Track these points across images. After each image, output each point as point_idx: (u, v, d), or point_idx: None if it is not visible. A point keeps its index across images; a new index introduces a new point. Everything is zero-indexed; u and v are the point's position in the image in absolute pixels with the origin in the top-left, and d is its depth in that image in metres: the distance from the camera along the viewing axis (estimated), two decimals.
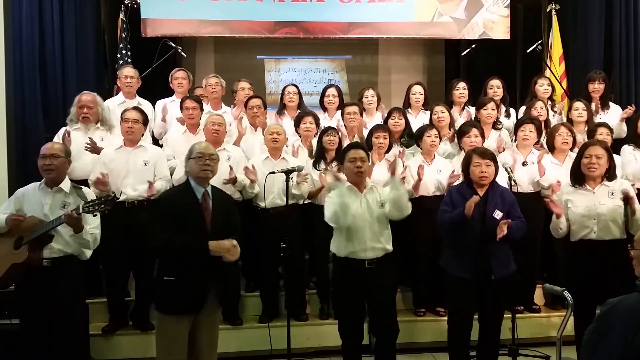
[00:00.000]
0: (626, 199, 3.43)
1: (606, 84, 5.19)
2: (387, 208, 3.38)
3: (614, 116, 5.07)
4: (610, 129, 4.57)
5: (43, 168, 3.22)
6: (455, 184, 4.12)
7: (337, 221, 3.33)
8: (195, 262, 3.00)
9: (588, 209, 3.47)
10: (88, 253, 3.31)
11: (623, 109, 5.25)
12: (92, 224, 3.24)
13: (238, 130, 4.69)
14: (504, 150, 4.60)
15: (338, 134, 4.37)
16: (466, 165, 3.61)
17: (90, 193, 3.36)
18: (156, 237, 3.03)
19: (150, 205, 4.08)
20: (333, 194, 3.40)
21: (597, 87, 5.16)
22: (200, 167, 3.10)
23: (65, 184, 3.28)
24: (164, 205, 3.15)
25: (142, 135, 4.23)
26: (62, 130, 4.38)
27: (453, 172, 4.28)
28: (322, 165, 4.33)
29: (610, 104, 5.21)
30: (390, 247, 3.45)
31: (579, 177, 3.56)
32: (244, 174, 4.20)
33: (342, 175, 4.21)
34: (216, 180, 4.07)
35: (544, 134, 4.74)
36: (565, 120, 4.99)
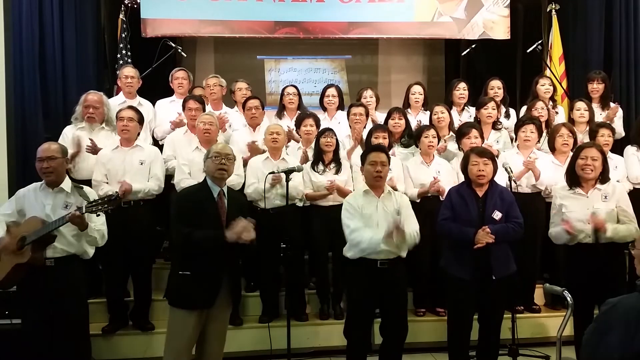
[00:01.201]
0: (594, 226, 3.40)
1: (606, 83, 5.19)
2: None
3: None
4: (612, 130, 4.57)
5: (42, 171, 3.23)
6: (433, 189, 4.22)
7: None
8: (211, 257, 3.07)
9: (583, 214, 3.47)
10: (91, 252, 3.33)
11: (623, 109, 5.26)
12: (98, 221, 3.27)
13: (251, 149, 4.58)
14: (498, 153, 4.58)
15: (335, 136, 4.36)
16: (464, 165, 3.61)
17: (92, 192, 3.37)
18: (177, 232, 3.14)
19: (149, 204, 4.11)
20: (369, 231, 3.34)
21: (595, 87, 5.16)
22: (217, 166, 3.19)
23: (66, 184, 3.29)
24: (183, 202, 3.25)
25: (138, 134, 4.22)
26: (67, 127, 4.37)
27: (437, 178, 4.26)
28: (321, 167, 4.32)
29: (610, 104, 5.21)
30: (404, 254, 3.45)
31: (574, 179, 3.56)
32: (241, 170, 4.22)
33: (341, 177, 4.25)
34: None
35: (545, 134, 4.75)
36: (566, 120, 4.99)
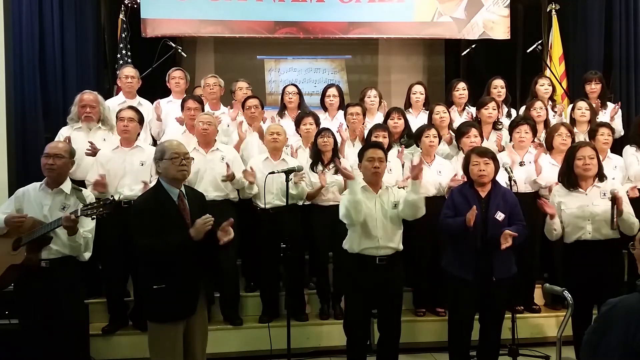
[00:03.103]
0: (614, 199, 3.43)
1: (602, 83, 5.19)
2: (400, 207, 3.41)
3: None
4: (612, 129, 4.56)
5: (46, 167, 3.21)
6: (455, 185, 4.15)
7: (349, 219, 3.38)
8: (182, 263, 2.93)
9: (582, 210, 3.48)
10: (87, 255, 3.29)
11: (622, 109, 5.25)
12: (87, 227, 3.22)
13: (238, 135, 4.59)
14: (503, 149, 4.58)
15: (333, 135, 4.36)
16: (466, 165, 3.61)
17: (89, 196, 3.35)
18: (138, 246, 2.93)
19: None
20: (347, 192, 3.44)
21: (593, 88, 5.15)
22: (177, 167, 2.97)
23: (66, 186, 3.27)
24: (142, 210, 2.99)
25: (138, 134, 4.22)
26: (63, 128, 4.36)
27: (455, 175, 4.23)
28: (319, 167, 4.32)
29: (608, 103, 5.21)
30: (401, 247, 3.49)
31: (572, 180, 3.56)
32: (241, 174, 4.18)
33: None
34: (209, 179, 4.08)
35: (543, 133, 4.75)
36: (567, 120, 4.98)
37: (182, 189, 3.06)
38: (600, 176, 3.56)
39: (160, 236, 2.88)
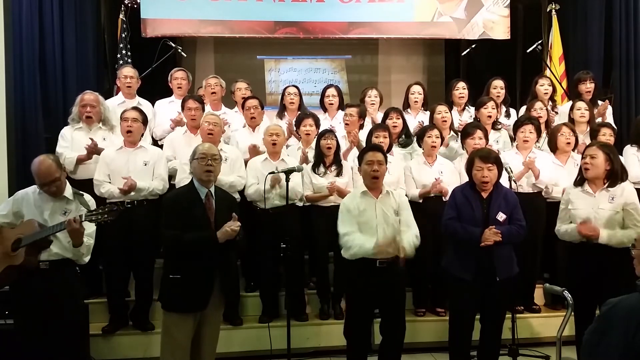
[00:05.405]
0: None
1: (595, 83, 5.19)
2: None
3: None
4: (613, 129, 4.56)
5: (47, 192, 3.16)
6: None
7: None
8: (201, 259, 3.05)
9: (587, 212, 3.46)
10: (86, 259, 3.28)
11: (622, 109, 5.25)
12: (88, 230, 3.19)
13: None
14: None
15: (336, 137, 4.36)
16: (469, 167, 3.59)
17: (91, 201, 3.33)
18: (165, 235, 3.12)
19: (151, 204, 4.08)
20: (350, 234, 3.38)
21: (588, 87, 5.15)
22: (203, 168, 3.15)
23: (67, 191, 3.24)
24: (170, 205, 3.20)
25: (142, 135, 4.23)
26: (65, 128, 4.37)
27: (439, 179, 4.26)
28: (322, 169, 4.32)
29: (599, 102, 5.21)
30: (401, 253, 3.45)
31: (581, 177, 3.56)
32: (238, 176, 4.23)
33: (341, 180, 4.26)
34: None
35: (544, 134, 4.75)
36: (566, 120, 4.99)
37: (212, 189, 3.22)
38: (613, 180, 3.47)
39: (184, 230, 3.04)
